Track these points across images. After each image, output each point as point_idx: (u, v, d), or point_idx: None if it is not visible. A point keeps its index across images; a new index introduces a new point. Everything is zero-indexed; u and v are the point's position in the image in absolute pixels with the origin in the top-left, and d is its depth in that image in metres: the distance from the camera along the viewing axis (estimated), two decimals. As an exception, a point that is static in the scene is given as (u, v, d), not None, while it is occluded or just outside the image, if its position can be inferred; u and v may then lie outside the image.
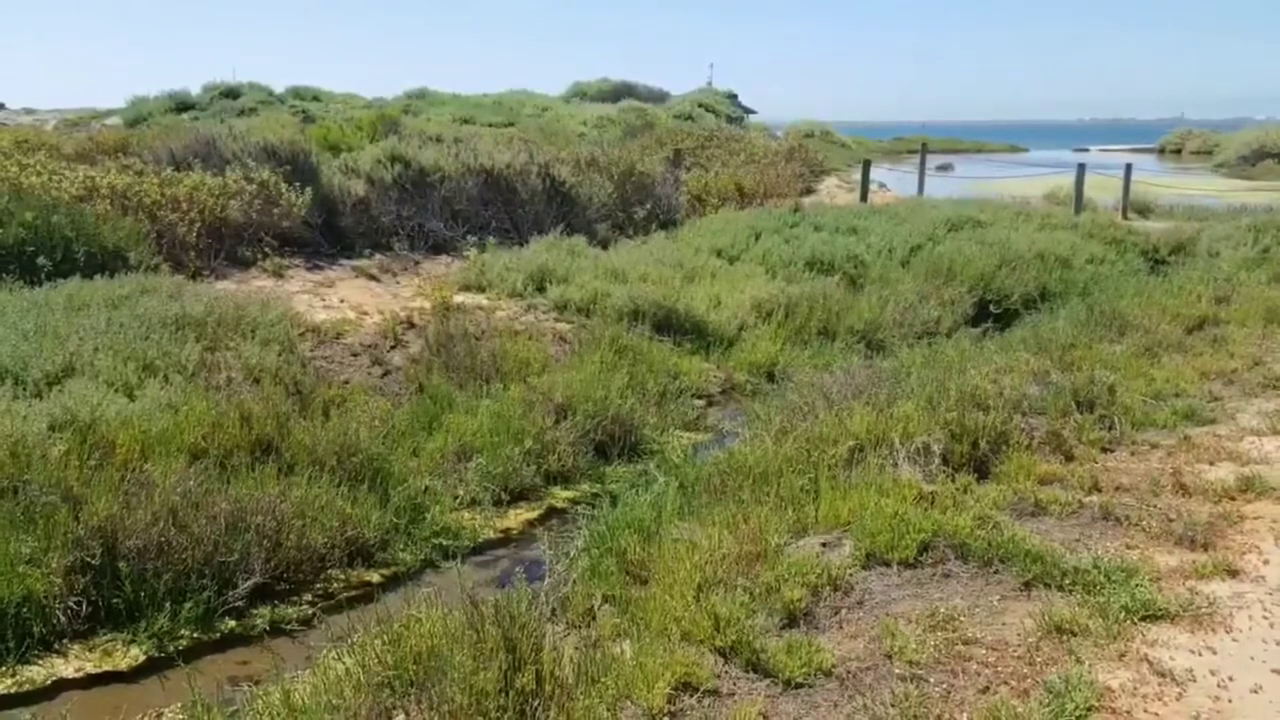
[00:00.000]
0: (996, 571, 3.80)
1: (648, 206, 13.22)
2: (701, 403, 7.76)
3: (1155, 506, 4.28)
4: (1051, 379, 6.50)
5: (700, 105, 53.80)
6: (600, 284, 9.83)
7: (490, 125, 40.57)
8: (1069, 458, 5.21)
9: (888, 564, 4.03)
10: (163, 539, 4.22)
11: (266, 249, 9.65)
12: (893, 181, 21.79)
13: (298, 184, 10.29)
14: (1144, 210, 17.24)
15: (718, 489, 5.04)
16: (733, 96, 60.77)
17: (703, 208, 14.12)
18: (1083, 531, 4.14)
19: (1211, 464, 4.79)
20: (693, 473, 5.32)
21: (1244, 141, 46.86)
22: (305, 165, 10.62)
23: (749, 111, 63.05)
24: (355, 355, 7.61)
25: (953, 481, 4.86)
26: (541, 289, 9.84)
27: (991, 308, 10.63)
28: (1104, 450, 5.28)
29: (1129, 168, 16.70)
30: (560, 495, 5.83)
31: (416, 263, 10.86)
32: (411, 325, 8.43)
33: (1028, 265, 11.38)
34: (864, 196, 15.29)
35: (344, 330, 8.09)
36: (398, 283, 10.20)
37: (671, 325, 8.98)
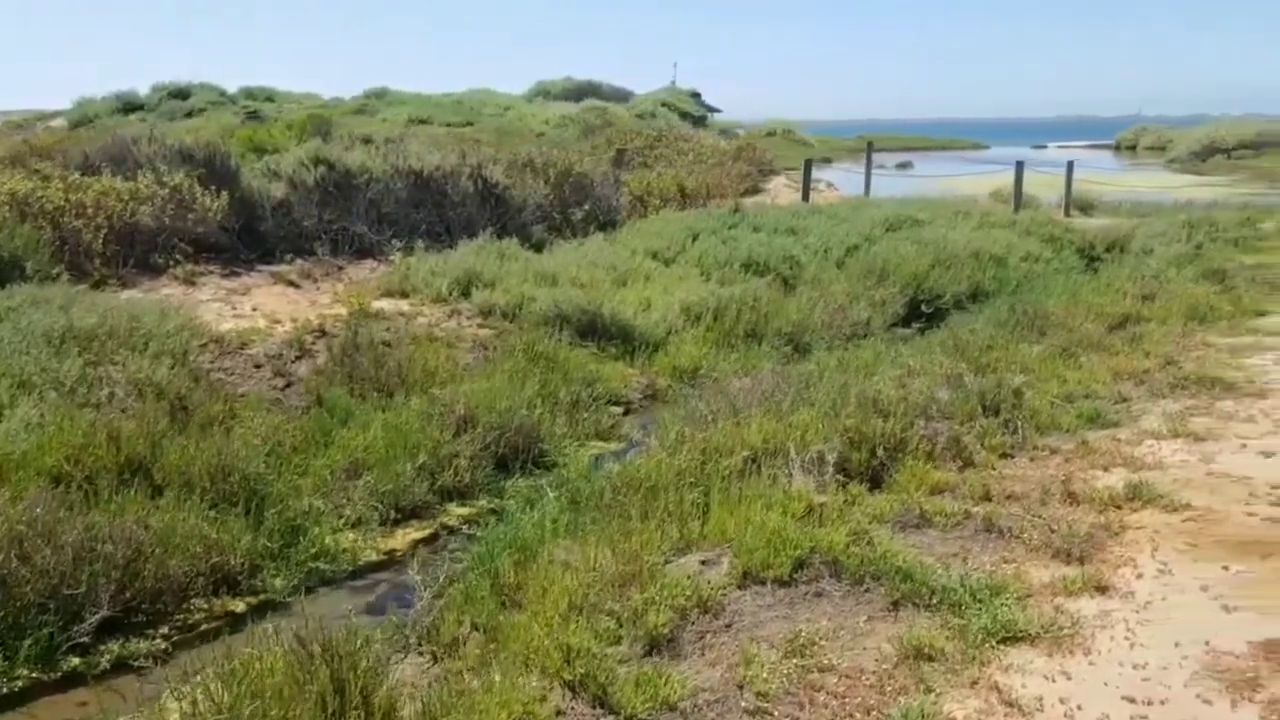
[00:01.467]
0: (868, 590, 3.66)
1: (586, 208, 13.03)
2: (620, 410, 7.60)
3: (1040, 517, 4.17)
4: (964, 382, 6.40)
5: (663, 104, 53.72)
6: (528, 288, 9.65)
7: (448, 125, 40.21)
8: (968, 464, 5.10)
9: (763, 582, 3.89)
10: (4, 572, 3.98)
11: (179, 256, 9.36)
12: (845, 181, 21.79)
13: (214, 187, 10.00)
14: (1087, 207, 17.32)
15: (608, 504, 4.87)
16: (696, 95, 60.76)
17: (644, 209, 13.95)
18: (964, 544, 4.02)
19: (1105, 470, 4.70)
20: (587, 487, 5.15)
21: (1195, 138, 47.61)
22: (223, 168, 10.32)
23: (713, 110, 63.04)
24: (258, 366, 7.36)
25: (844, 492, 4.74)
26: (467, 294, 9.64)
27: (924, 307, 10.57)
28: (1004, 456, 5.18)
29: (1070, 165, 16.75)
30: (455, 512, 5.63)
31: (340, 268, 10.60)
32: (324, 333, 8.18)
33: (962, 264, 11.34)
34: (805, 196, 15.21)
35: (250, 340, 7.84)
36: (318, 289, 9.94)
37: (596, 330, 8.81)
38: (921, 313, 10.51)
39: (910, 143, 66.65)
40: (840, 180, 23.08)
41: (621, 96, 58.26)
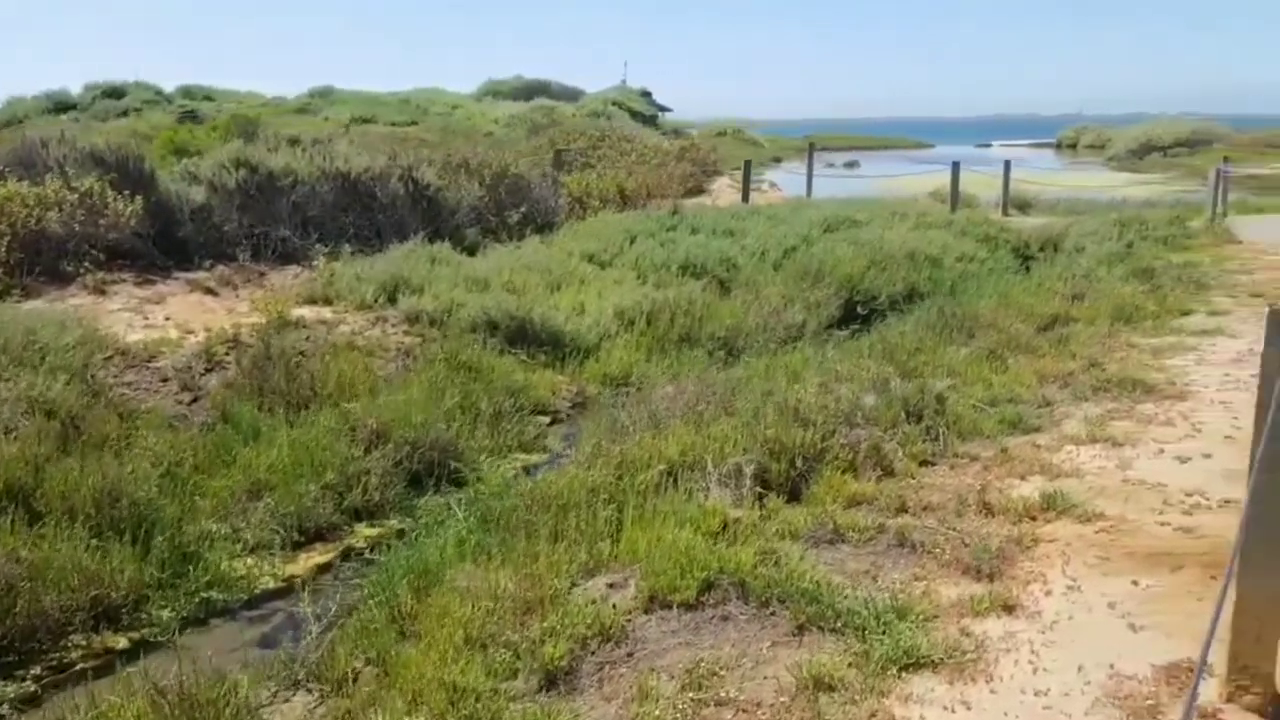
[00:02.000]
0: (773, 613, 3.53)
1: (522, 210, 12.80)
2: (547, 420, 7.42)
3: (955, 530, 4.07)
4: (891, 387, 6.31)
5: (614, 104, 53.54)
6: (458, 294, 9.42)
7: (392, 125, 39.61)
8: (889, 473, 5.00)
9: (669, 606, 3.74)
10: None
11: (89, 264, 8.97)
12: (790, 181, 21.78)
13: (128, 192, 9.61)
14: (1024, 206, 17.49)
15: (517, 524, 4.69)
16: (646, 95, 60.72)
17: (583, 210, 13.77)
18: (876, 560, 3.91)
19: (1023, 478, 4.63)
20: (499, 505, 4.96)
21: (1132, 136, 48.67)
22: (137, 171, 9.93)
23: (663, 110, 63.03)
24: (165, 380, 7.05)
25: (761, 506, 4.61)
26: (394, 300, 9.38)
27: (859, 309, 10.53)
28: (925, 464, 5.09)
29: (1007, 165, 16.90)
30: (363, 534, 5.41)
31: (262, 274, 10.26)
32: (238, 344, 7.88)
33: (898, 265, 11.32)
34: (745, 197, 15.13)
35: (160, 351, 7.52)
36: (237, 296, 9.60)
37: (526, 336, 8.61)
38: (857, 314, 10.47)
39: (857, 142, 67.28)
40: (785, 180, 23.11)
41: (571, 95, 58.00)
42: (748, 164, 15.80)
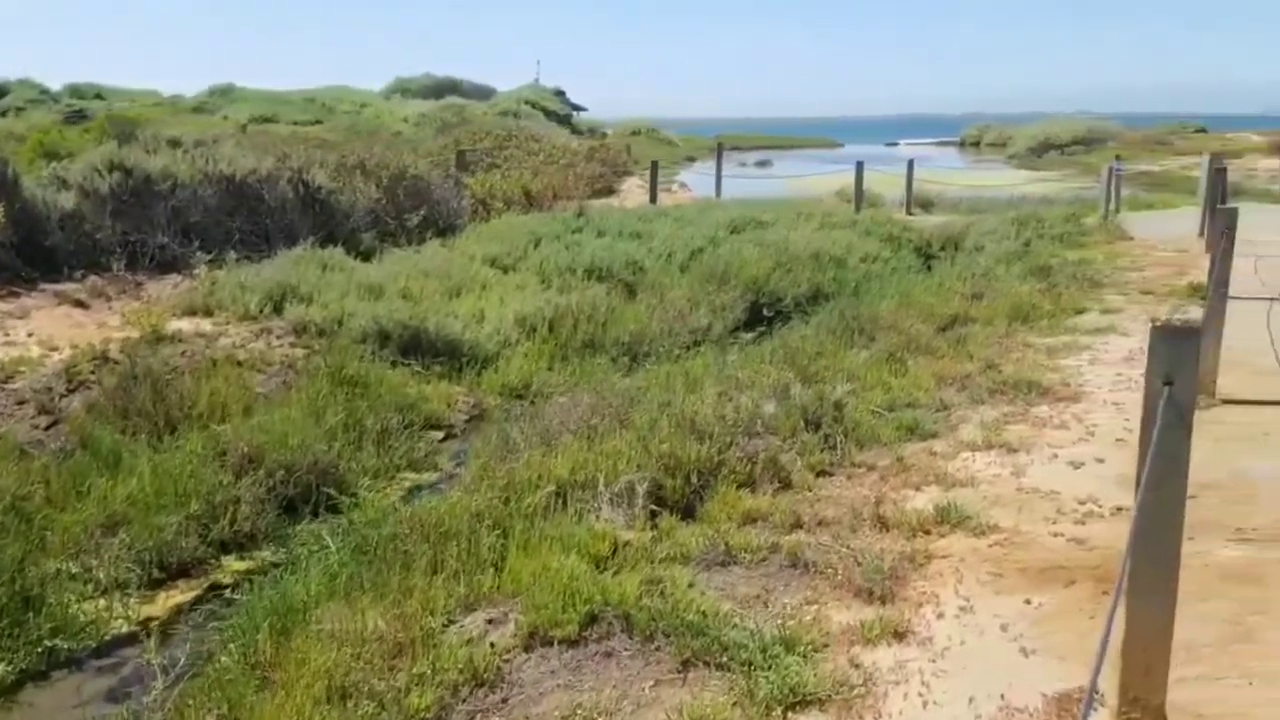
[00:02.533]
0: (659, 648, 3.32)
1: (422, 212, 12.40)
2: (440, 435, 7.10)
3: (848, 547, 3.93)
4: (792, 393, 6.19)
5: (526, 102, 53.07)
6: (349, 302, 9.01)
7: (295, 124, 38.41)
8: (786, 486, 4.86)
9: (551, 643, 3.50)
10: None
11: (-58, 277, 8.30)
12: (702, 182, 21.68)
13: (-14, 199, 8.94)
14: (927, 204, 17.77)
15: (395, 555, 4.39)
16: (560, 94, 60.32)
17: (487, 212, 13.41)
18: (768, 583, 3.74)
19: (918, 489, 4.53)
20: (376, 534, 4.65)
21: (1031, 135, 50.27)
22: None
23: (578, 109, 62.80)
24: (22, 403, 6.51)
25: (654, 526, 4.42)
26: (280, 310, 8.92)
27: (765, 311, 10.46)
28: (823, 475, 4.96)
29: (910, 164, 17.13)
30: (231, 568, 5.04)
31: (139, 284, 9.68)
32: (107, 360, 7.35)
33: (803, 266, 11.30)
34: (653, 198, 14.98)
35: (18, 371, 6.98)
36: (110, 309, 9.03)
37: (421, 346, 8.26)
38: (763, 316, 10.40)
39: (770, 141, 68.03)
40: (697, 180, 23.03)
41: (484, 94, 57.27)
42: (655, 164, 15.65)
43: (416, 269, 10.37)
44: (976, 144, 60.85)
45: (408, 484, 6.19)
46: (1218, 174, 8.14)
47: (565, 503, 4.63)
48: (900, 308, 8.93)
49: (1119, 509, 4.06)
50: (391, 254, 11.27)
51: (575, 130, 51.81)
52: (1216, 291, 5.17)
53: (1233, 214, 5.13)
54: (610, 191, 18.00)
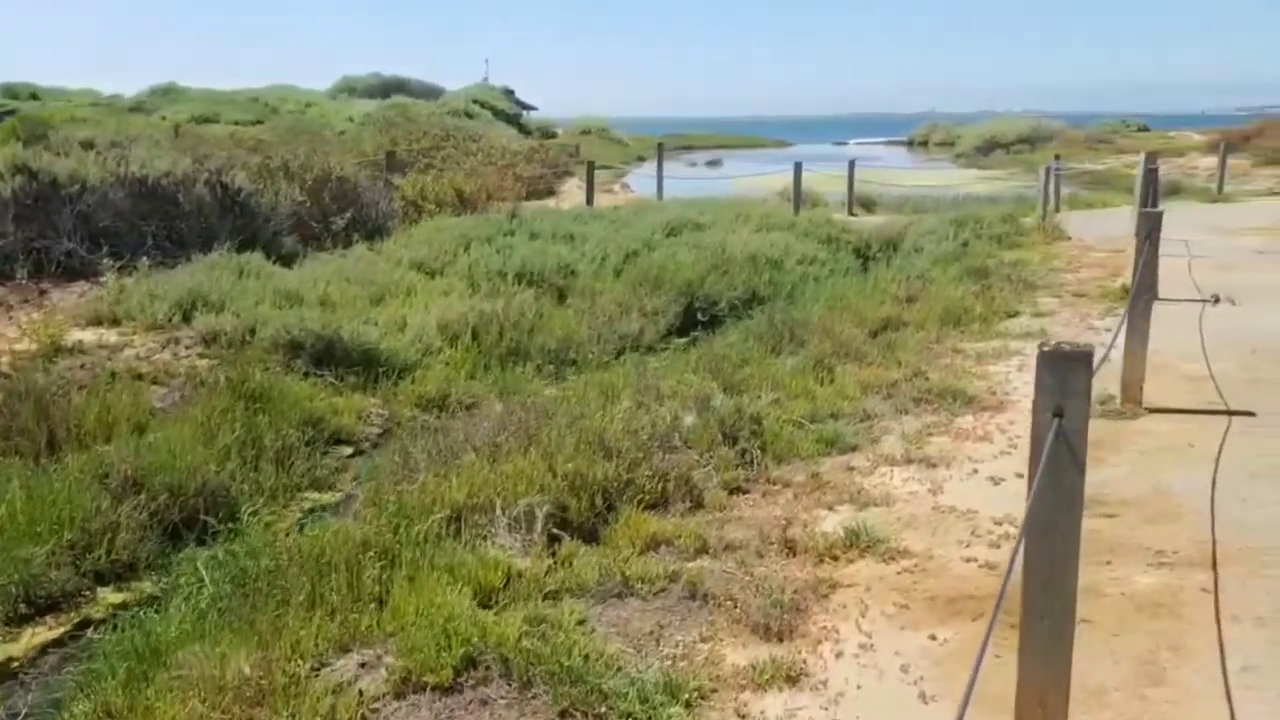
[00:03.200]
0: (536, 696, 3.05)
1: (348, 215, 11.98)
2: (348, 451, 6.76)
3: (752, 575, 3.70)
4: (713, 404, 5.95)
5: (475, 102, 52.54)
6: (264, 310, 8.61)
7: (235, 124, 37.55)
8: (698, 505, 4.62)
9: (424, 688, 3.21)
10: None
11: None
12: (651, 181, 21.38)
13: None
14: (870, 204, 17.70)
15: (271, 589, 4.06)
16: (510, 93, 59.84)
17: (418, 214, 13.03)
18: (663, 618, 3.49)
19: (831, 508, 4.31)
20: (256, 565, 4.31)
21: (978, 134, 50.85)
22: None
23: (528, 108, 62.35)
24: (-110, 424, 6.04)
25: (552, 553, 4.14)
26: (189, 318, 8.50)
27: (699, 315, 10.24)
28: (737, 492, 4.74)
29: (851, 164, 17.04)
30: (106, 601, 4.66)
31: (43, 292, 9.20)
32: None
33: (739, 269, 11.10)
34: (590, 200, 14.70)
35: (-108, 390, 6.48)
36: (10, 319, 8.54)
37: (335, 356, 7.89)
38: (698, 320, 10.17)
39: (722, 141, 68.14)
40: (645, 182, 22.70)
41: (432, 93, 56.59)
42: (591, 165, 15.37)
43: (338, 274, 9.99)
44: (925, 143, 61.46)
45: (307, 505, 5.84)
46: (1149, 174, 8.07)
47: (461, 528, 4.34)
48: (833, 311, 8.77)
49: (1035, 529, 3.87)
50: (316, 259, 10.86)
51: (524, 130, 51.44)
52: (1141, 298, 5.02)
53: (1156, 218, 4.99)
54: (550, 193, 17.68)
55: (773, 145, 67.98)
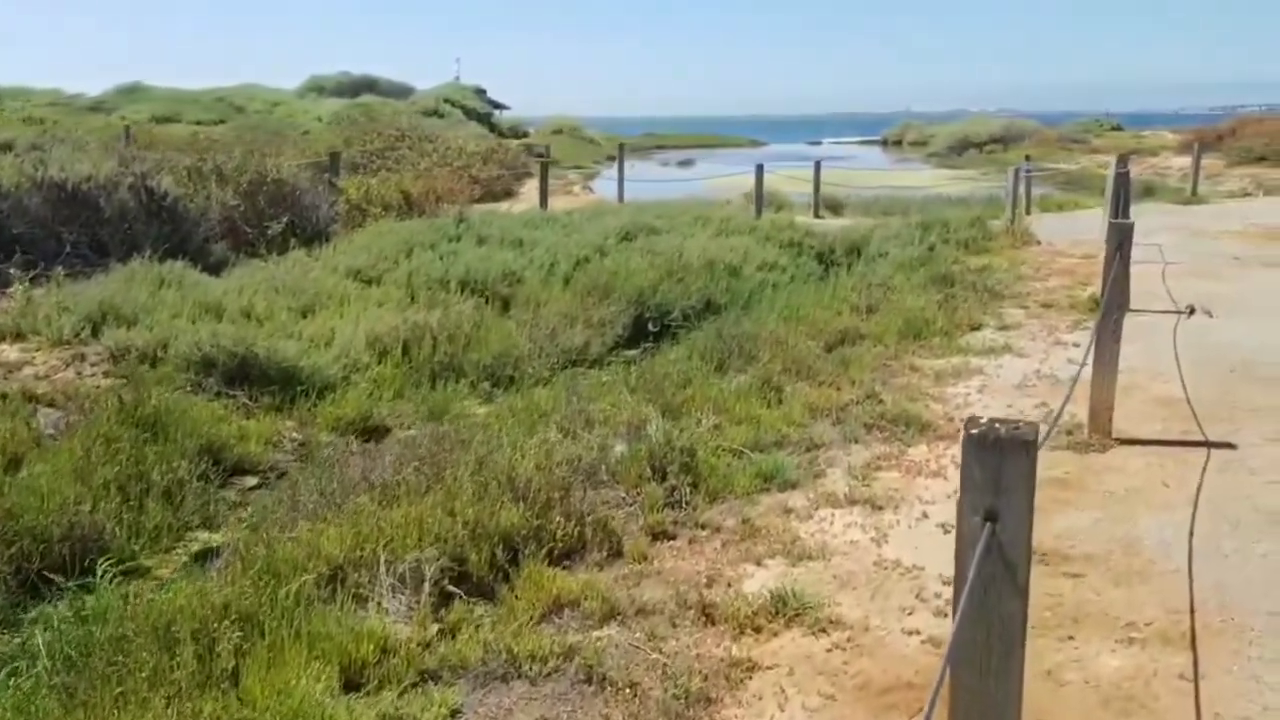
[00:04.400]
0: (379, 823, 2.51)
1: (285, 220, 11.36)
2: (253, 481, 6.17)
3: (662, 650, 3.17)
4: (649, 431, 5.42)
5: (446, 100, 51.95)
6: (180, 323, 8.00)
7: (197, 124, 36.73)
8: (616, 555, 4.09)
9: (254, 807, 2.66)
10: None
11: None
12: (612, 184, 20.76)
13: None
14: (837, 207, 17.25)
15: (112, 665, 3.49)
16: (481, 92, 59.25)
17: (363, 218, 12.42)
18: (550, 709, 2.96)
19: (760, 563, 3.79)
20: (101, 633, 3.74)
21: (951, 133, 50.72)
22: None
23: (500, 107, 61.77)
24: None
25: (439, 620, 3.60)
26: (98, 333, 7.88)
27: (650, 326, 9.71)
28: (662, 538, 4.21)
29: (818, 165, 16.57)
30: (-63, 670, 4.06)
31: (-59, 305, 8.51)
32: None
33: (695, 276, 10.58)
34: (544, 203, 14.13)
35: None
36: (-100, 336, 7.87)
37: (250, 375, 7.30)
38: (649, 331, 9.65)
39: (696, 140, 67.73)
40: (612, 184, 22.05)
41: (401, 92, 55.91)
42: (545, 166, 14.79)
43: (267, 283, 9.37)
44: (899, 143, 61.29)
45: (196, 547, 5.25)
46: (1120, 179, 7.62)
47: (338, 588, 3.79)
48: (788, 323, 8.28)
49: (988, 591, 3.37)
50: (249, 266, 10.25)
51: (496, 129, 50.83)
52: (1110, 316, 4.54)
53: (1127, 230, 4.52)
54: (509, 194, 17.10)
55: (747, 145, 67.67)
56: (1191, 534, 3.68)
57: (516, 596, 3.73)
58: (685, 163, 48.09)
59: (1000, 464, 1.52)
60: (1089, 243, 11.53)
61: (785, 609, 3.34)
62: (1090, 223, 13.06)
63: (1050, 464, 4.56)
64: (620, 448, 5.28)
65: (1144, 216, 14.61)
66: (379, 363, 7.96)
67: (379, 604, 3.71)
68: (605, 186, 20.46)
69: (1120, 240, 4.44)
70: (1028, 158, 17.32)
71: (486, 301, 9.84)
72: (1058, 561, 3.55)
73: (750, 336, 7.37)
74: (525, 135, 47.67)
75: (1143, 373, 6.00)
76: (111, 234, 9.99)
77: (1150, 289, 8.56)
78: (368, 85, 53.04)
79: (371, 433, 6.92)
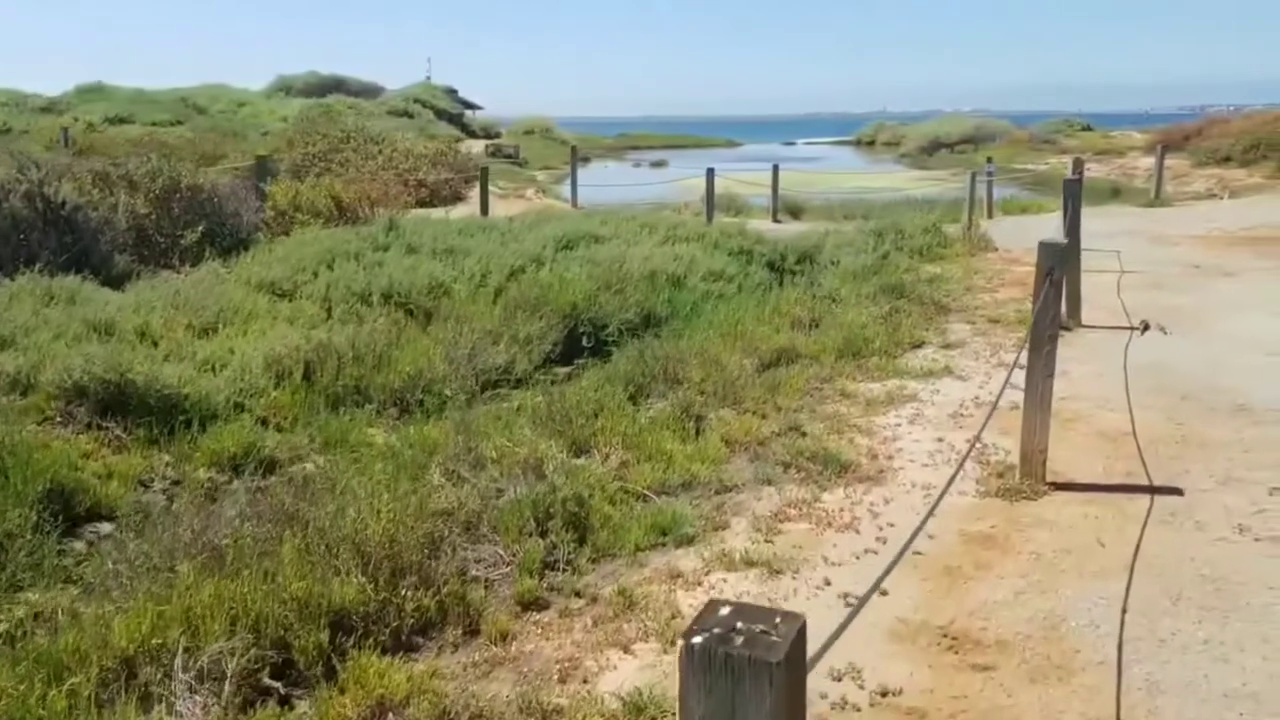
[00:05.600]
0: None
1: (200, 229, 10.70)
2: (109, 528, 5.53)
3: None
4: (547, 472, 4.86)
5: (416, 101, 51.32)
6: (61, 346, 7.34)
7: (154, 124, 35.91)
8: (473, 633, 3.53)
9: None
10: None
11: None
12: (593, 178, 20.12)
13: None
14: (797, 211, 16.74)
15: None
16: (452, 92, 58.68)
17: (289, 226, 11.77)
18: None
19: (628, 649, 3.23)
20: None
21: (922, 133, 50.57)
22: None
23: (473, 107, 61.15)
24: None
25: (240, 727, 3.02)
26: (-31, 357, 7.20)
27: (584, 341, 9.14)
28: (533, 608, 3.64)
29: (776, 167, 16.05)
30: None
31: None
32: None
33: (636, 287, 10.01)
34: (484, 209, 13.52)
35: None
36: None
37: (128, 404, 6.66)
38: (583, 347, 9.07)
39: (671, 141, 67.36)
40: (587, 178, 21.30)
41: (370, 92, 55.27)
42: (485, 171, 14.16)
43: (169, 299, 8.72)
44: (872, 143, 61.13)
45: (21, 611, 4.62)
46: (1070, 187, 7.10)
47: (128, 686, 3.19)
48: (725, 338, 7.75)
49: (884, 693, 2.82)
50: (154, 279, 9.59)
51: (467, 128, 50.17)
52: (1041, 350, 4.01)
53: (1058, 252, 3.98)
54: (458, 198, 16.48)
55: (723, 145, 67.36)
56: (1125, 610, 3.15)
57: (341, 691, 3.16)
58: (658, 163, 47.71)
59: (733, 696, 0.97)
60: (1047, 249, 11.07)
61: (642, 716, 2.78)
62: (1049, 228, 12.61)
63: (976, 515, 4.03)
64: (515, 491, 4.73)
65: (1106, 219, 14.25)
66: (276, 387, 7.33)
67: (170, 706, 3.12)
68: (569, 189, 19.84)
69: (1052, 264, 3.90)
70: (989, 159, 16.87)
71: (410, 316, 9.25)
72: (968, 649, 3.01)
73: (677, 357, 6.81)
74: (497, 135, 47.05)
75: (1088, 400, 5.49)
76: (4, 246, 9.30)
77: (1105, 301, 8.08)
78: (335, 85, 52.31)
79: (257, 467, 6.31)
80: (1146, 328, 6.85)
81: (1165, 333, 6.84)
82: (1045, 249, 3.95)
